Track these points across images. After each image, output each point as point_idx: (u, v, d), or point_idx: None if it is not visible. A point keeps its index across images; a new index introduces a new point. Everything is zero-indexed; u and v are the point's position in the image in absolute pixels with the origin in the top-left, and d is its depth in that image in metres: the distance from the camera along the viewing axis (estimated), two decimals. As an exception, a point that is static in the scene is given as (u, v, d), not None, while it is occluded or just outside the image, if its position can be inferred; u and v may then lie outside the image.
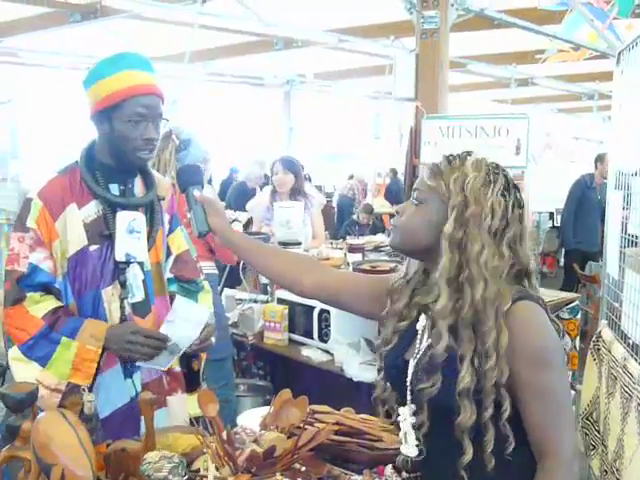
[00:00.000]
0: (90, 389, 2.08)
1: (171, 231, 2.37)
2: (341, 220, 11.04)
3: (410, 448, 1.68)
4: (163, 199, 2.30)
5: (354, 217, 10.19)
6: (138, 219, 2.19)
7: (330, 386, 3.60)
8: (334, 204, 12.26)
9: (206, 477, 1.73)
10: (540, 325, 1.53)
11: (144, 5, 7.65)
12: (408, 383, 1.62)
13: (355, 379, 3.46)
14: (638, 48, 2.58)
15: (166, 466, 1.56)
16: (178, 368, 2.37)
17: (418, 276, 1.70)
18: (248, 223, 4.72)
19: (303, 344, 3.96)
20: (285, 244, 4.25)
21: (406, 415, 1.67)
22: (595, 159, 7.51)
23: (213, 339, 2.30)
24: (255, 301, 4.28)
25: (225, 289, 4.37)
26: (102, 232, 2.15)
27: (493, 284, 1.50)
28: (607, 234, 2.98)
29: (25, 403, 1.80)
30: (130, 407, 2.19)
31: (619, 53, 2.86)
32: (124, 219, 2.16)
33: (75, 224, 2.13)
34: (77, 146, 2.25)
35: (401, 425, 1.70)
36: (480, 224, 1.52)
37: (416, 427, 1.64)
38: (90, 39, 10.21)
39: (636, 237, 2.63)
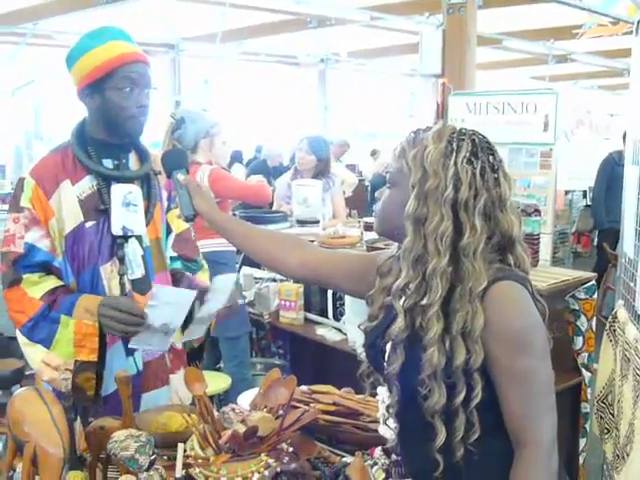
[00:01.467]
0: (103, 364, 2.08)
1: (170, 208, 2.34)
2: (374, 198, 10.95)
3: (386, 430, 1.63)
4: (160, 174, 2.27)
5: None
6: (134, 192, 2.16)
7: (344, 366, 3.56)
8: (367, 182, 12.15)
9: (191, 457, 1.71)
10: (519, 305, 1.44)
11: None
12: (385, 364, 1.57)
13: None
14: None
15: (132, 445, 1.53)
16: (179, 345, 2.35)
17: None
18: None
19: (318, 323, 3.93)
20: (303, 222, 4.22)
21: (383, 396, 1.62)
22: (623, 135, 7.27)
23: (239, 300, 2.29)
24: (274, 280, 4.26)
25: (243, 267, 4.36)
26: (97, 207, 2.12)
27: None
28: (623, 210, 2.87)
29: (10, 380, 1.80)
30: (132, 385, 2.18)
31: (638, 22, 2.74)
32: (119, 192, 2.13)
33: (70, 201, 2.11)
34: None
35: (379, 406, 1.65)
36: (440, 197, 1.43)
37: (389, 408, 1.59)
38: (120, 20, 10.27)
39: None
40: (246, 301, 4.13)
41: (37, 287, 2.09)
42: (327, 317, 3.81)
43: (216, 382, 3.58)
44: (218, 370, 3.93)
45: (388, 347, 1.56)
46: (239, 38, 11.07)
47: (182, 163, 1.99)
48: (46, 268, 2.12)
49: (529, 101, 4.91)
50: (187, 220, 1.97)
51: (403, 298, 1.50)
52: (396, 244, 1.70)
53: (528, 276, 1.54)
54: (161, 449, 1.92)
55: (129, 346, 2.13)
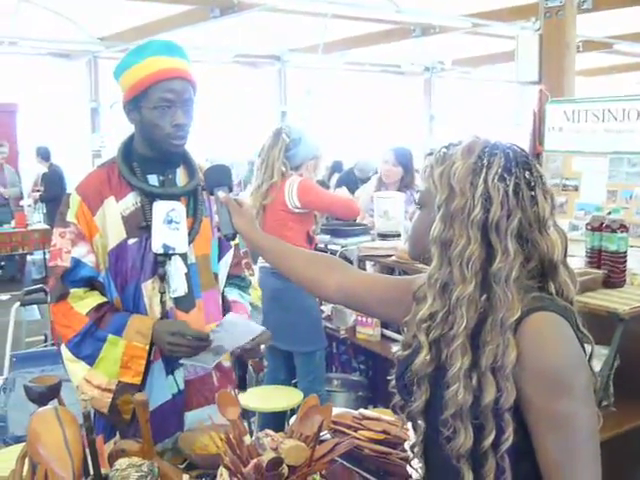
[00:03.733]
0: (142, 387, 2.06)
1: None
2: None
3: (411, 468, 1.51)
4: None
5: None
6: (177, 209, 2.12)
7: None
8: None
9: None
10: (557, 340, 1.28)
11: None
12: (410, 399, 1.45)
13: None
14: None
15: (133, 475, 1.49)
16: (228, 363, 2.30)
17: None
18: None
19: (395, 340, 3.81)
20: (384, 236, 4.11)
21: (411, 432, 1.50)
22: None
23: (262, 347, 2.22)
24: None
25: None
26: (140, 224, 2.11)
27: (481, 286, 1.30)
28: None
29: (46, 396, 1.80)
30: (173, 404, 2.14)
31: None
32: (161, 209, 2.10)
33: (114, 217, 2.10)
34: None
35: (406, 443, 1.53)
36: (467, 218, 1.30)
37: (414, 448, 1.47)
38: (229, 33, 10.48)
39: None
40: (323, 315, 4.06)
41: (83, 302, 2.09)
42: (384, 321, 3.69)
43: (289, 397, 3.52)
44: (295, 385, 3.88)
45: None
46: (343, 48, 11.12)
47: (225, 180, 1.93)
48: (91, 284, 2.12)
49: (631, 108, 4.63)
50: (227, 239, 1.93)
51: (428, 330, 1.38)
52: None
53: (572, 304, 1.38)
54: (202, 470, 1.89)
55: (180, 361, 2.11)
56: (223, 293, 2.31)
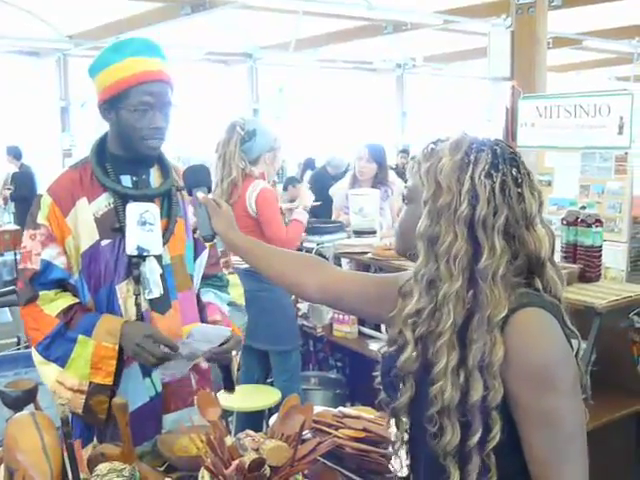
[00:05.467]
0: (115, 387, 2.03)
1: None
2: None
3: (397, 464, 1.50)
4: (182, 189, 2.20)
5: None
6: (151, 210, 2.08)
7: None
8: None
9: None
10: (545, 336, 1.27)
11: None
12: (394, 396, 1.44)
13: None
14: None
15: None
16: (205, 365, 2.27)
17: None
18: None
19: (372, 337, 3.81)
20: (359, 232, 4.10)
21: (394, 428, 1.49)
22: None
23: (234, 352, 2.19)
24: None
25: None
26: (113, 225, 2.07)
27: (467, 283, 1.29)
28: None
29: (22, 400, 1.77)
30: (151, 406, 2.11)
31: None
32: (134, 211, 2.07)
33: (86, 219, 2.06)
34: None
35: (391, 439, 1.52)
36: (454, 215, 1.29)
37: (395, 444, 1.46)
38: (200, 30, 10.42)
39: None
40: (300, 313, 4.04)
41: (53, 304, 2.05)
42: (381, 331, 3.68)
43: (267, 396, 3.50)
44: (270, 384, 3.86)
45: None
46: (314, 45, 11.10)
47: (204, 180, 1.90)
48: (62, 285, 2.08)
49: (602, 103, 4.66)
50: (205, 240, 1.90)
51: (414, 326, 1.37)
52: None
53: (560, 302, 1.37)
54: (182, 472, 1.86)
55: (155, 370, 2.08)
56: (198, 294, 2.29)
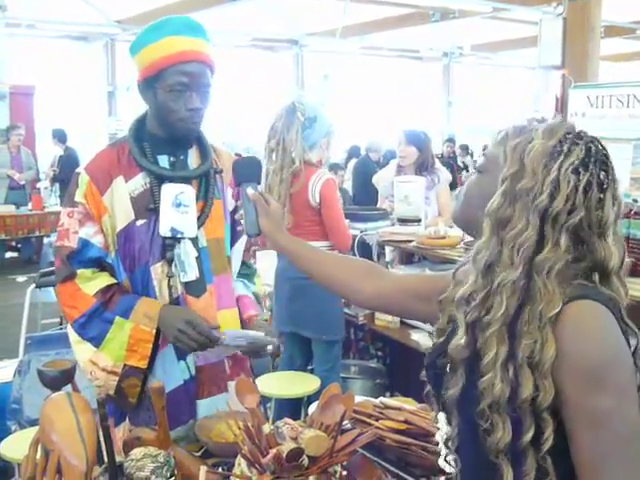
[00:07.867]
0: (148, 370, 2.01)
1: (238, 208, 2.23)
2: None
3: (443, 462, 1.44)
4: (221, 172, 2.16)
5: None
6: (186, 192, 2.04)
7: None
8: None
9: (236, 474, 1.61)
10: (598, 332, 1.20)
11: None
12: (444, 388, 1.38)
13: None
14: None
15: (149, 465, 1.43)
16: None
17: None
18: None
19: (415, 327, 3.75)
20: (404, 220, 4.04)
21: (442, 423, 1.43)
22: None
23: (270, 347, 2.16)
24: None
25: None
26: (148, 206, 2.04)
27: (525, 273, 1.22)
28: None
29: (59, 380, 1.76)
30: (184, 390, 2.09)
31: None
32: (170, 192, 2.02)
33: (122, 198, 2.03)
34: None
35: (437, 435, 1.46)
36: (531, 202, 1.22)
37: (448, 442, 1.40)
38: (246, 16, 10.42)
39: None
40: (343, 301, 3.99)
41: (91, 283, 2.03)
42: (424, 321, 3.62)
43: (306, 383, 3.47)
44: (310, 372, 3.83)
45: (448, 367, 1.37)
46: (361, 33, 11.01)
47: (255, 175, 1.81)
48: (99, 264, 2.06)
49: (657, 93, 4.53)
50: (249, 237, 1.88)
51: (466, 310, 1.32)
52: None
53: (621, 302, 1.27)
54: (219, 458, 1.84)
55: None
56: None
